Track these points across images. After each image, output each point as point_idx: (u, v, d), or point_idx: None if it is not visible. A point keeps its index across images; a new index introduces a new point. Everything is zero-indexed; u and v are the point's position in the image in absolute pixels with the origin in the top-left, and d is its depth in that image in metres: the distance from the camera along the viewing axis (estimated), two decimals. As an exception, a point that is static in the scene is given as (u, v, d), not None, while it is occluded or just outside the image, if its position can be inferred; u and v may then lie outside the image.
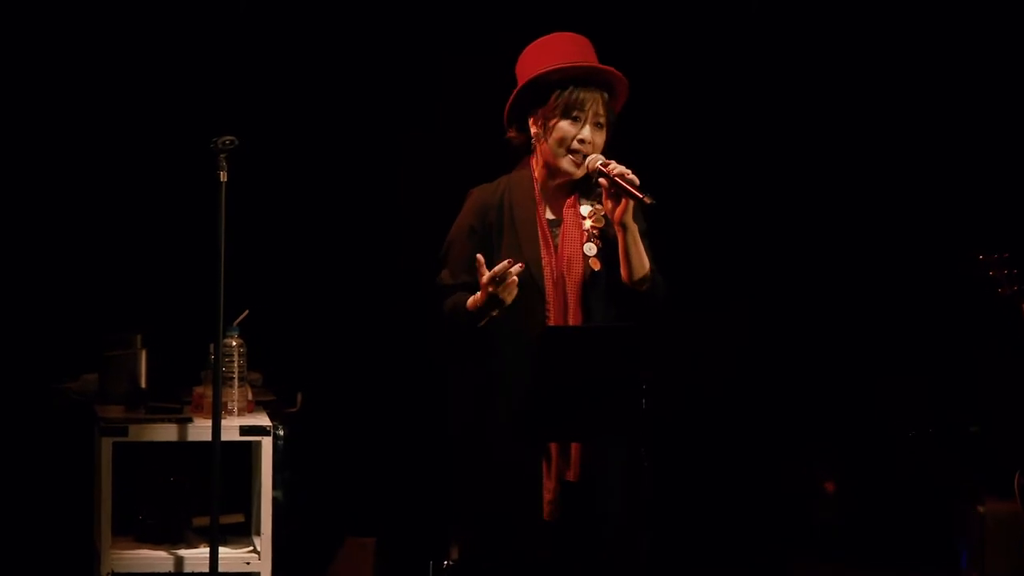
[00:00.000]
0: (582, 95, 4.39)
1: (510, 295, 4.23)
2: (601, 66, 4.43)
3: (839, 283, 6.37)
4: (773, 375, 6.13)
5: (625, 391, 4.11)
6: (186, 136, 5.35)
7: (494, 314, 4.27)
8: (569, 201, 4.48)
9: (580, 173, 4.41)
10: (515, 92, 4.43)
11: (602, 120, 4.41)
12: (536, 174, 4.48)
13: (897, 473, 6.09)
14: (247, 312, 5.34)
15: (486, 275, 4.23)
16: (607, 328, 4.34)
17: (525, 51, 4.49)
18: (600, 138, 4.42)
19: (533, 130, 4.45)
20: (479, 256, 4.25)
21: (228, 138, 4.93)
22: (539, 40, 4.48)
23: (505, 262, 4.22)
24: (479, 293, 4.26)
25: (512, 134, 4.49)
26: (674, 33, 6.26)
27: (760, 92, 6.34)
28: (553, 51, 4.44)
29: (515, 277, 4.21)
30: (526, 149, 4.49)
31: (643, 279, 4.39)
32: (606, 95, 4.43)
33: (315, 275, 6.29)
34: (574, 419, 4.15)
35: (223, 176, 4.96)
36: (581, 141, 4.38)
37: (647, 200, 4.22)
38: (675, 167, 5.62)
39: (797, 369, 6.27)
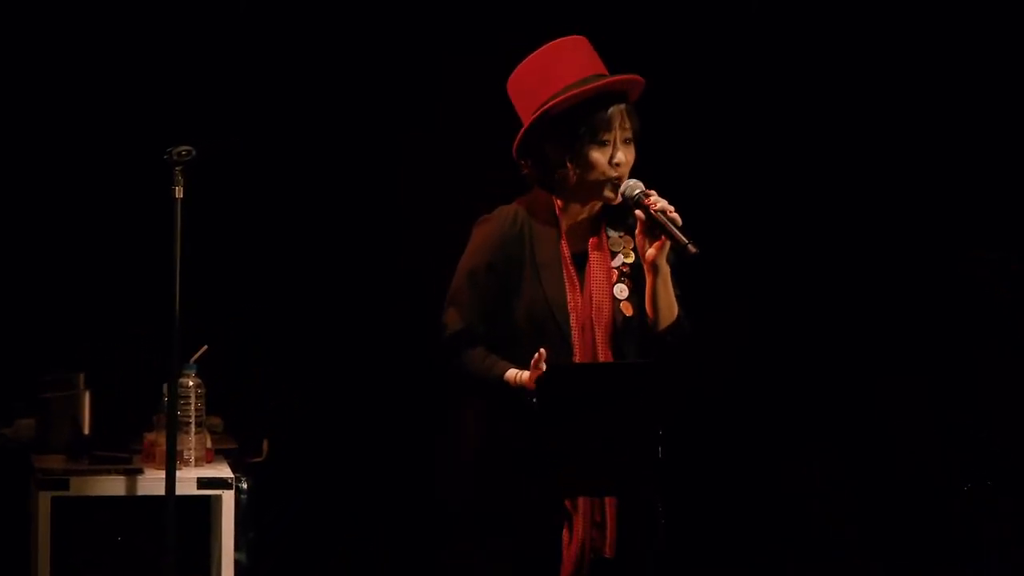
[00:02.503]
0: (607, 115, 4.18)
1: None
2: (621, 77, 4.21)
3: (839, 283, 6.35)
4: (773, 375, 6.22)
5: (637, 437, 3.96)
6: (143, 146, 5.23)
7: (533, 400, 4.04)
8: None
9: (618, 200, 4.20)
10: (527, 126, 4.22)
11: (630, 134, 4.21)
12: (557, 201, 4.25)
13: (946, 524, 6.12)
14: (206, 348, 5.17)
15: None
16: (615, 366, 4.15)
17: (522, 71, 4.28)
18: (631, 154, 4.21)
19: (561, 162, 4.22)
20: (542, 351, 3.99)
21: (184, 148, 4.75)
22: (535, 57, 4.27)
23: None
24: (526, 377, 4.04)
25: (527, 170, 4.27)
26: (671, 31, 6.22)
27: (760, 89, 6.30)
28: (559, 70, 4.21)
29: None
30: (545, 180, 4.27)
31: (670, 327, 4.21)
32: (628, 104, 4.23)
33: (283, 306, 6.09)
34: (580, 471, 3.98)
35: (179, 192, 4.76)
36: (617, 164, 4.18)
37: (691, 248, 4.03)
38: (671, 165, 5.35)
39: (798, 369, 6.28)
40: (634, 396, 3.95)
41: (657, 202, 4.09)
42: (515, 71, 4.27)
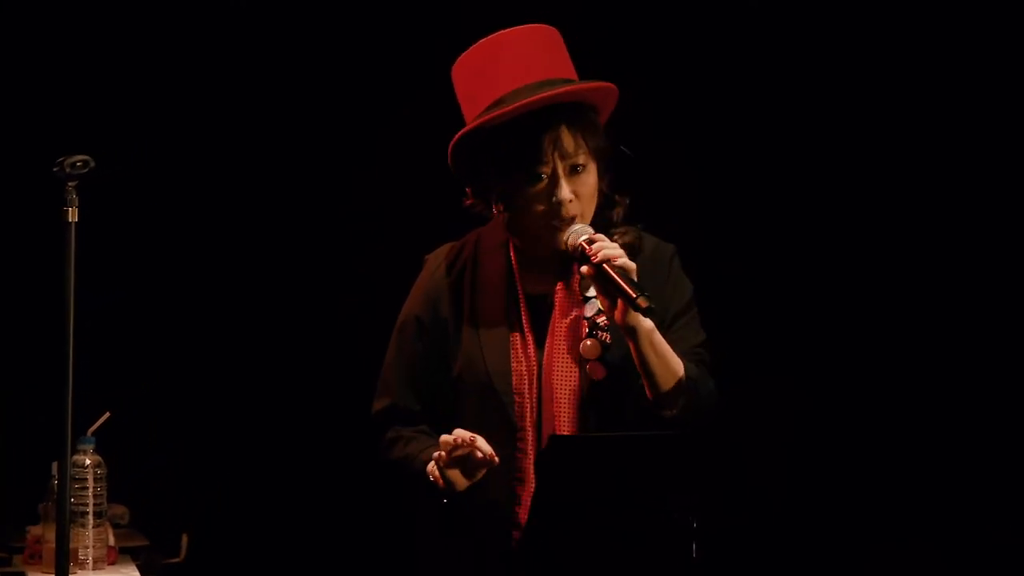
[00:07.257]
0: (539, 144, 3.70)
1: (467, 478, 3.70)
2: (563, 90, 3.72)
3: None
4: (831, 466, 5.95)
5: (666, 530, 3.60)
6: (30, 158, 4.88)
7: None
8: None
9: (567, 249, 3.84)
10: (451, 148, 3.80)
11: (580, 160, 3.72)
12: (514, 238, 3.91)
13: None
14: (108, 415, 4.74)
15: (443, 446, 3.67)
16: (634, 439, 3.66)
17: (462, 64, 3.86)
18: (585, 184, 3.74)
19: (495, 199, 3.84)
20: (458, 437, 3.61)
21: (80, 158, 4.20)
22: (471, 52, 3.84)
23: (460, 439, 3.61)
24: (436, 461, 3.71)
25: (471, 201, 3.88)
26: (673, 32, 5.96)
27: (758, 90, 5.99)
28: (497, 72, 3.78)
29: (481, 458, 3.64)
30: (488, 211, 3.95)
31: (672, 395, 3.70)
32: (579, 122, 3.75)
33: (204, 363, 5.79)
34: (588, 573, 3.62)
35: (72, 215, 4.21)
36: (559, 203, 3.72)
37: (642, 303, 3.57)
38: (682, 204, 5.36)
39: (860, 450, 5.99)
40: (659, 477, 3.54)
41: (602, 250, 3.62)
42: (457, 61, 3.88)
